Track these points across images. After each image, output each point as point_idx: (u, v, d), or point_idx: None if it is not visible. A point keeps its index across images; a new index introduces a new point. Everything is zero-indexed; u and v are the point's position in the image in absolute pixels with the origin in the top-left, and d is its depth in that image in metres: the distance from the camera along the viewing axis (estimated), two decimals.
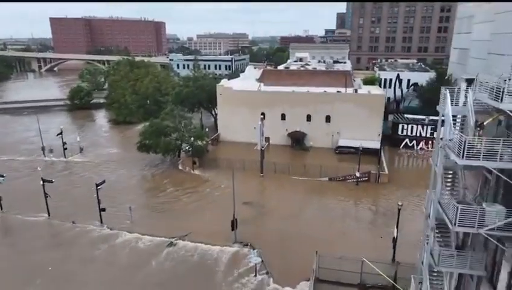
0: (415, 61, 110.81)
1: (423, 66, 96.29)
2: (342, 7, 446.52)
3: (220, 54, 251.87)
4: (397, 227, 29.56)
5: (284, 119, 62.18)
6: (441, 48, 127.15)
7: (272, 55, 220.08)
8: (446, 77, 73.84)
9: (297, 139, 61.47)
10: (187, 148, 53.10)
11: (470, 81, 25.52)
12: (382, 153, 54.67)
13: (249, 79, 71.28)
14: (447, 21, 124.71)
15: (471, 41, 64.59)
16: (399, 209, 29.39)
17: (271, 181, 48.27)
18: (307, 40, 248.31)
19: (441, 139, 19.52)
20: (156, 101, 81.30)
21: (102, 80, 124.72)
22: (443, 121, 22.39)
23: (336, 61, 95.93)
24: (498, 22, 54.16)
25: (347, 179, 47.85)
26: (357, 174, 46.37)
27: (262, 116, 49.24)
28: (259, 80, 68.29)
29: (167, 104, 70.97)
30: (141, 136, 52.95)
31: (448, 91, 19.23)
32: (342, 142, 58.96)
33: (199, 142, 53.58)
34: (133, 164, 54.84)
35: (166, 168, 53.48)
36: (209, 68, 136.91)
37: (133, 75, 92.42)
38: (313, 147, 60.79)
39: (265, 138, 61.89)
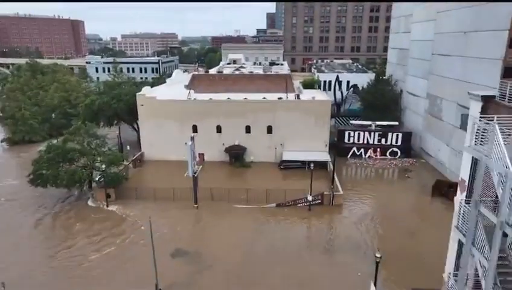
0: (351, 61, 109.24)
1: (360, 66, 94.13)
2: (271, 7, 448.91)
3: (147, 56, 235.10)
4: (375, 283, 22.68)
5: (220, 132, 53.59)
6: (373, 47, 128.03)
7: (203, 56, 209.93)
8: (386, 78, 71.00)
9: (236, 155, 53.27)
10: (98, 177, 41.83)
11: (487, 100, 19.30)
12: (332, 167, 48.85)
13: (177, 85, 61.42)
14: (376, 21, 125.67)
15: (411, 41, 61.77)
16: (377, 262, 22.51)
17: (208, 213, 39.35)
18: (238, 40, 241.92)
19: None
20: (66, 114, 67.65)
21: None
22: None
23: (272, 63, 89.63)
24: (441, 20, 50.97)
25: (298, 203, 40.76)
26: (309, 198, 39.46)
27: (192, 135, 39.87)
28: (189, 86, 58.82)
29: (79, 116, 58.44)
30: (35, 165, 40.68)
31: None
32: (287, 156, 52.04)
33: (114, 169, 42.81)
34: (31, 201, 42.19)
35: (72, 205, 41.72)
36: (133, 72, 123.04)
37: (36, 83, 76.97)
38: (254, 162, 53.09)
39: (200, 154, 52.77)
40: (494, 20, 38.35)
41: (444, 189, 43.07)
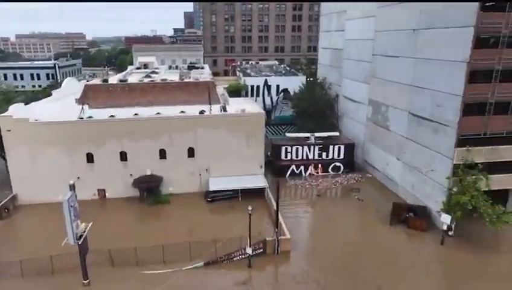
0: (277, 62, 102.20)
1: (288, 68, 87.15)
2: (189, 6, 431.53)
3: (49, 58, 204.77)
4: None
5: (125, 159, 41.02)
6: (297, 47, 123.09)
7: (114, 57, 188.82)
8: (319, 81, 64.37)
9: (148, 188, 41.16)
10: None
11: None
12: (270, 195, 39.64)
13: (69, 98, 47.03)
14: (299, 20, 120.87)
15: (346, 41, 55.41)
16: None
17: None
18: (155, 41, 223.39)
19: None
20: None
21: None
22: None
23: (191, 66, 78.09)
24: (383, 17, 44.60)
25: (234, 257, 30.56)
26: (249, 251, 29.47)
27: (72, 183, 26.70)
28: (81, 100, 44.94)
29: None
30: None
31: None
32: (214, 185, 41.52)
33: None
34: None
35: None
36: (21, 78, 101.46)
37: None
38: (174, 194, 41.63)
39: (99, 190, 39.91)
40: (455, 15, 32.25)
41: (403, 214, 36.40)
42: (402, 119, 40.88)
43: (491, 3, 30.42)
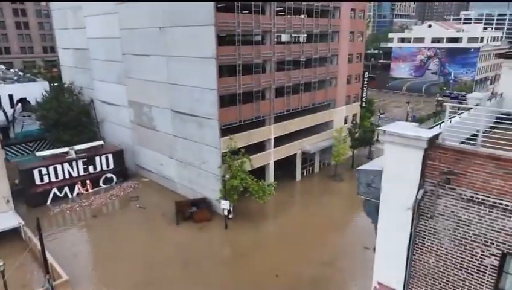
0: (3, 66, 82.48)
1: (21, 73, 71.74)
2: None
3: None
4: None
5: None
6: (29, 48, 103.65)
7: None
8: (67, 86, 56.15)
9: None
10: None
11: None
12: (29, 233, 31.53)
13: None
14: (24, 15, 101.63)
15: (89, 39, 50.12)
16: None
17: None
18: None
19: None
20: None
21: None
22: None
23: None
24: (125, 14, 42.49)
25: None
26: None
27: None
28: None
29: None
30: None
31: None
32: None
33: None
34: None
35: None
36: None
37: None
38: None
39: None
40: (196, 15, 33.80)
41: (187, 211, 36.85)
42: (166, 118, 40.80)
43: (222, 5, 33.77)
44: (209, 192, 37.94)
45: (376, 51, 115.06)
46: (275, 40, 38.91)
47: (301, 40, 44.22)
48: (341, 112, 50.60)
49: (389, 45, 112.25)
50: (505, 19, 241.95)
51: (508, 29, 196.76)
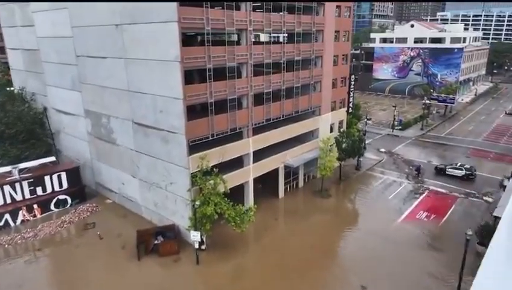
0: None
1: None
2: None
3: None
4: None
5: None
6: None
7: None
8: (17, 92, 49.24)
9: None
10: None
11: None
12: None
13: None
14: None
15: (39, 39, 43.51)
16: None
17: None
18: None
19: None
20: None
21: None
22: None
23: None
24: (78, 9, 36.27)
25: None
26: None
27: None
28: None
29: None
30: None
31: None
32: None
33: None
34: None
35: None
36: None
37: None
38: None
39: None
40: (156, 9, 28.14)
41: (151, 241, 31.12)
42: (127, 130, 34.87)
43: None
44: (179, 218, 32.31)
45: (358, 51, 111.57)
46: (252, 39, 33.63)
47: (282, 40, 39.18)
48: (326, 119, 45.88)
49: (371, 45, 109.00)
50: (480, 19, 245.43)
51: (483, 29, 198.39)
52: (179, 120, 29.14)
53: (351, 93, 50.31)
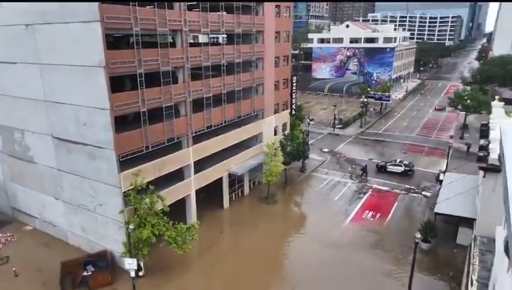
0: None
1: None
2: None
3: None
4: None
5: None
6: None
7: None
8: None
9: None
10: None
11: None
12: None
13: None
14: None
15: None
16: None
17: None
18: None
19: None
20: None
21: None
22: None
23: None
24: None
25: None
26: None
27: None
28: None
29: None
30: None
31: None
32: None
33: None
34: None
35: None
36: None
37: None
38: None
39: None
40: (73, 7, 24.29)
41: (79, 273, 27.18)
42: (47, 147, 30.28)
43: None
44: (111, 243, 28.66)
45: (296, 52, 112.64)
46: (191, 41, 30.90)
47: (221, 41, 36.89)
48: (270, 122, 44.50)
49: (309, 45, 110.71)
50: (406, 20, 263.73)
51: (409, 29, 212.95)
52: (106, 133, 25.61)
53: (294, 94, 49.49)
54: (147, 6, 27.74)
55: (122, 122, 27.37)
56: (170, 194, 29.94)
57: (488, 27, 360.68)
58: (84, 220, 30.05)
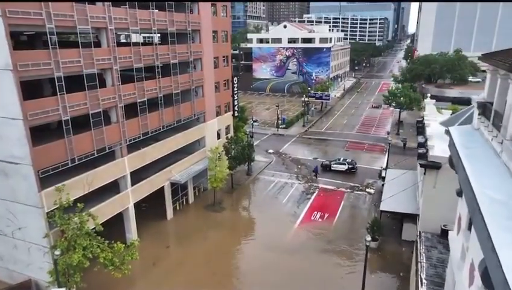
0: None
1: None
2: None
3: None
4: None
5: None
6: None
7: None
8: None
9: None
10: None
11: None
12: None
13: None
14: None
15: None
16: None
17: None
18: None
19: None
20: None
21: None
22: None
23: None
24: None
25: None
26: None
27: None
28: None
29: None
30: None
31: None
32: None
33: None
34: None
35: None
36: None
37: None
38: None
39: None
40: None
41: None
42: None
43: None
44: (36, 271, 25.01)
45: (236, 52, 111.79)
46: (115, 40, 28.04)
47: (155, 41, 34.32)
48: (212, 125, 42.69)
49: (249, 45, 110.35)
50: (339, 21, 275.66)
51: (342, 30, 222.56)
52: (20, 147, 22.10)
53: (236, 96, 48.14)
54: (65, 1, 24.55)
55: (43, 133, 23.95)
56: (105, 210, 26.99)
57: (411, 28, 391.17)
58: (2, 247, 25.93)
